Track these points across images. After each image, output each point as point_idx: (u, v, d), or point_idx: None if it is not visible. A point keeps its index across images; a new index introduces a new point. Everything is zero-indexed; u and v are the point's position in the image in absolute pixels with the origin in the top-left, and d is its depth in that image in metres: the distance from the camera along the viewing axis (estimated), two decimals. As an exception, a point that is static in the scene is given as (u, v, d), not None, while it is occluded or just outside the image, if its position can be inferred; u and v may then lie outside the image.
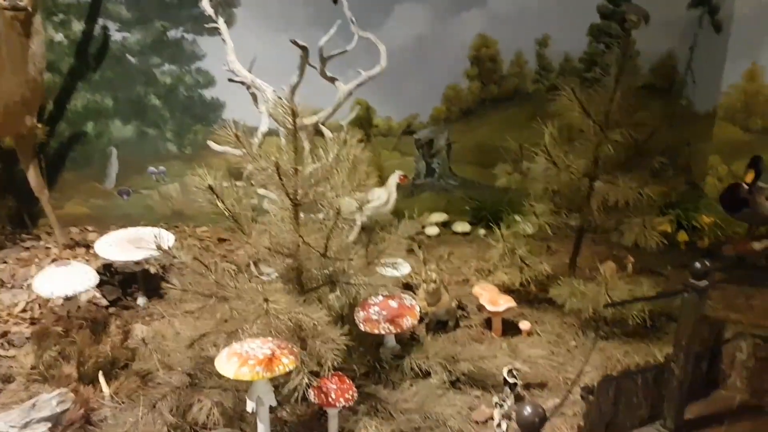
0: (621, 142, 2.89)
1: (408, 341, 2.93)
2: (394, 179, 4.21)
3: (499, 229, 3.27)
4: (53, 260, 3.41)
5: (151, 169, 4.52)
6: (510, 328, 3.09)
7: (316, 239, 2.22)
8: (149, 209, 4.54)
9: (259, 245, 2.20)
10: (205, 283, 2.23)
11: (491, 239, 3.30)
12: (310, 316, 2.01)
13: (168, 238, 3.30)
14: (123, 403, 2.26)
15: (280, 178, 2.10)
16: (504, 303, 2.99)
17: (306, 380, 2.01)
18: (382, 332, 2.51)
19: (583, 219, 3.21)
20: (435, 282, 2.88)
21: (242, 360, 2.01)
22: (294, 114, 2.15)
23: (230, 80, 3.09)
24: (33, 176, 3.51)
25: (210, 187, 2.14)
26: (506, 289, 3.46)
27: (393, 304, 2.60)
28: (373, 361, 2.58)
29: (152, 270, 3.54)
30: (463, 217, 4.62)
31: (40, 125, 3.99)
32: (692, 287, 2.26)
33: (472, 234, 4.48)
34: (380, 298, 2.61)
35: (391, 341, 2.69)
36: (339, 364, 2.15)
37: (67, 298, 2.83)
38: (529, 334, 3.05)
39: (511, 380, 2.45)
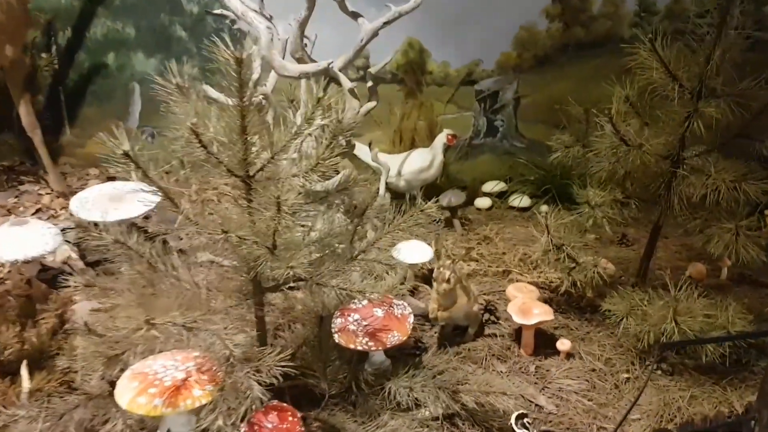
0: (718, 118, 2.17)
1: (410, 351, 2.45)
2: (441, 140, 3.65)
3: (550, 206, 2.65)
4: (37, 210, 3.16)
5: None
6: (546, 344, 2.51)
7: (266, 229, 1.74)
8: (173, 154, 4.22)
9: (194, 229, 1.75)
10: (127, 275, 1.83)
11: (535, 230, 2.69)
12: (224, 342, 1.55)
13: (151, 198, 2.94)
14: (26, 409, 1.93)
15: (204, 147, 1.62)
16: (537, 315, 2.41)
17: (221, 422, 1.57)
18: (359, 348, 2.03)
19: (660, 214, 2.53)
20: (449, 282, 2.34)
21: (144, 384, 1.61)
22: (239, 62, 1.64)
23: (207, 12, 2.61)
24: (24, 113, 3.24)
25: (126, 154, 1.69)
26: (552, 291, 2.87)
27: (378, 312, 2.11)
28: (351, 380, 2.11)
29: (150, 229, 3.22)
30: (524, 188, 3.98)
31: (45, 55, 3.73)
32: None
33: (532, 210, 3.85)
34: (364, 302, 2.12)
35: (378, 355, 2.20)
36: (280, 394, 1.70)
37: (26, 262, 2.53)
38: (569, 355, 2.47)
39: (519, 430, 1.92)
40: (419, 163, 3.66)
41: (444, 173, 3.98)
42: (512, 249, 3.30)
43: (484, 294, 2.87)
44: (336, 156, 1.84)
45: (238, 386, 1.59)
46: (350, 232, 2.12)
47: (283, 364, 1.67)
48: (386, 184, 3.69)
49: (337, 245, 2.10)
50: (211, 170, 1.75)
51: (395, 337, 2.05)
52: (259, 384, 1.59)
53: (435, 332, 2.56)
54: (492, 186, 3.97)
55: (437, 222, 3.63)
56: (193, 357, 1.70)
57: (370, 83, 3.04)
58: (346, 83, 2.81)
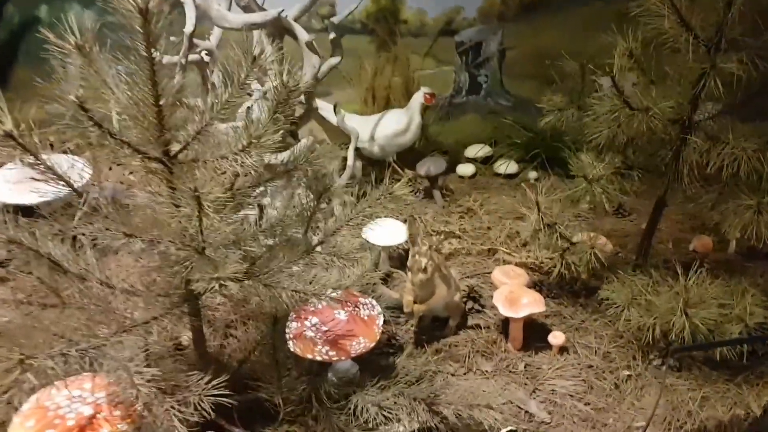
0: (738, 75, 1.87)
1: (383, 350, 2.18)
2: (417, 99, 3.33)
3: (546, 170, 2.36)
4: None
5: (121, 68, 3.79)
6: (536, 336, 2.26)
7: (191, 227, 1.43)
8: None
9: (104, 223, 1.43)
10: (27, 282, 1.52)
11: (523, 205, 2.41)
12: (132, 378, 1.25)
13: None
14: None
15: (97, 125, 1.30)
16: (526, 306, 2.15)
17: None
18: (318, 358, 1.75)
19: (667, 187, 2.25)
20: (425, 271, 2.06)
21: (42, 424, 1.32)
22: (144, 14, 1.31)
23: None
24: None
25: (9, 135, 1.37)
26: (544, 273, 2.61)
27: (341, 315, 1.83)
28: (311, 392, 1.84)
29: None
30: (511, 152, 3.68)
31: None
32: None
33: (520, 177, 3.56)
34: (324, 303, 1.83)
35: (344, 362, 1.93)
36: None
37: None
38: (562, 350, 2.22)
39: (507, 452, 1.67)
40: (394, 125, 3.35)
41: (423, 136, 3.68)
42: (498, 223, 3.02)
43: (467, 277, 2.60)
44: (280, 130, 1.54)
45: (157, 425, 1.31)
46: (306, 217, 1.81)
47: (218, 393, 1.39)
48: (357, 150, 3.38)
49: (293, 232, 1.81)
50: (121, 152, 1.44)
51: (361, 344, 1.77)
52: (186, 421, 1.32)
53: (412, 325, 2.29)
54: (476, 150, 3.67)
55: (416, 193, 3.35)
56: (106, 384, 1.41)
57: (332, 35, 2.70)
58: (303, 35, 2.46)
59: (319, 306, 1.83)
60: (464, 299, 2.39)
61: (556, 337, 2.19)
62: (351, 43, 3.63)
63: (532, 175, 3.50)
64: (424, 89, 3.32)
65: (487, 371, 2.13)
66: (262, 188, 2.09)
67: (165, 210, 1.43)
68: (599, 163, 2.21)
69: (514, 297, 2.19)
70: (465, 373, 2.12)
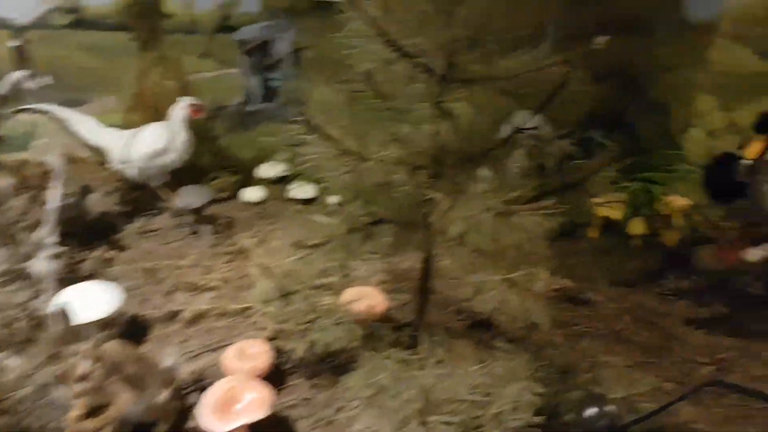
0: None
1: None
2: (179, 111, 2.81)
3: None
4: None
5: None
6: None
7: None
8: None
9: None
10: None
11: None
12: None
13: None
14: None
15: None
16: (242, 413, 1.69)
17: None
18: None
19: (425, 242, 1.84)
20: (86, 379, 1.56)
21: None
22: None
23: None
24: None
25: None
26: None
27: None
28: None
29: None
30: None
31: None
32: None
33: (319, 202, 3.11)
34: None
35: None
36: None
37: None
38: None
39: None
40: (152, 143, 2.83)
41: (212, 150, 3.17)
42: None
43: (209, 351, 2.13)
44: None
45: None
46: None
47: None
48: (120, 171, 2.84)
49: None
50: None
51: None
52: None
53: (108, 433, 1.79)
54: (269, 169, 3.18)
55: (184, 228, 2.82)
56: None
57: (14, 43, 2.14)
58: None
59: None
60: (184, 392, 1.90)
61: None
62: (106, 41, 3.06)
63: (334, 199, 3.04)
64: (188, 99, 2.82)
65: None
66: None
67: None
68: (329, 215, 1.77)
69: (232, 396, 1.73)
70: None
